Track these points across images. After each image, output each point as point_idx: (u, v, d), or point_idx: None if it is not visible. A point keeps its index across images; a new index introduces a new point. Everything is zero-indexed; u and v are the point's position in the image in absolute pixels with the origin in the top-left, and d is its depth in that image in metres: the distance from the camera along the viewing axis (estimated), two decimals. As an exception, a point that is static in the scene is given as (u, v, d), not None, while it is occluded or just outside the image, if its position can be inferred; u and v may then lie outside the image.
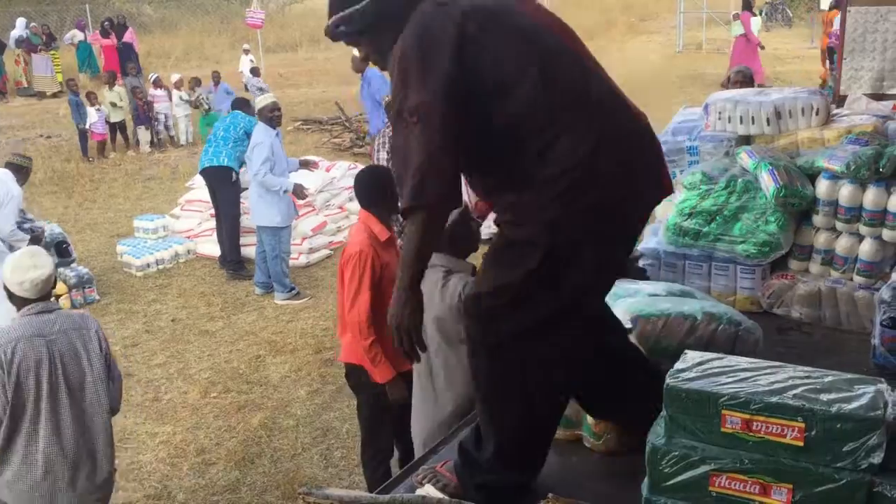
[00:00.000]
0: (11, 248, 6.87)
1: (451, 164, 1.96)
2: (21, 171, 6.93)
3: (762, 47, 15.67)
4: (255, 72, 15.66)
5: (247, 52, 19.50)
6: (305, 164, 7.80)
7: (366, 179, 4.07)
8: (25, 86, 20.14)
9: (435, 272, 3.20)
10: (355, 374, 4.04)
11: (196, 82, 14.34)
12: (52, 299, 3.67)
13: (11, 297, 3.48)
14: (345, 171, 9.34)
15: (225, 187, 7.92)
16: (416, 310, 2.06)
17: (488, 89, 1.97)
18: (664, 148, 3.87)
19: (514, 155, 2.00)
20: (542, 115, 1.98)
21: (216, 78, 14.50)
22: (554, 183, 1.97)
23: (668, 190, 2.18)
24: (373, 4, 2.07)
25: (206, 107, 13.73)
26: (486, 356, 2.09)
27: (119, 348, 6.66)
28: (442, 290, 3.18)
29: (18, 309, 3.50)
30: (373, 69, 9.12)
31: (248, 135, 7.77)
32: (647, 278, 3.51)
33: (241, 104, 8.56)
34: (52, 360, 3.38)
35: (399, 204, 2.07)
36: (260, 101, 7.22)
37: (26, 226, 7.00)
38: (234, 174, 7.87)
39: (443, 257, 3.24)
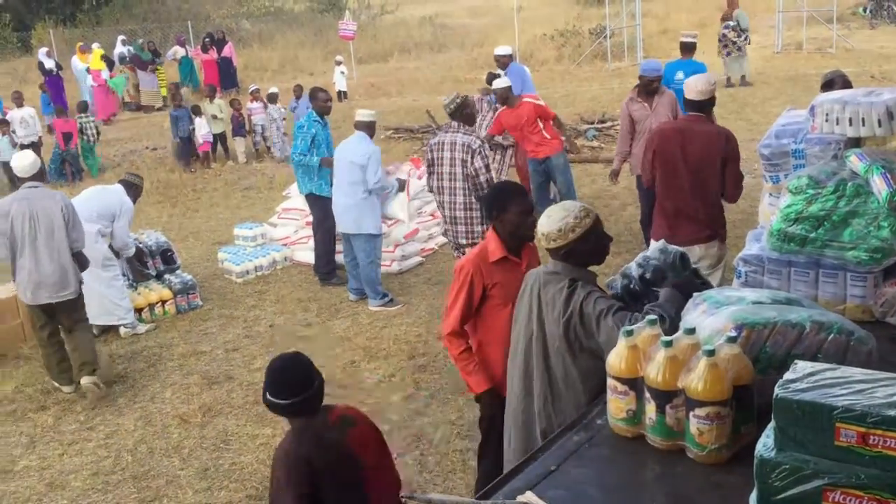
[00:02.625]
0: (117, 256, 7.31)
1: None
2: (133, 189, 7.41)
3: None
4: (272, 98, 14.63)
5: (339, 63, 19.88)
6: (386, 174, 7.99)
7: (488, 193, 4.19)
8: (129, 101, 21.12)
9: (559, 280, 3.24)
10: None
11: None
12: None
13: (16, 178, 6.84)
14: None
15: (316, 206, 8.12)
16: None
17: None
18: (767, 151, 3.78)
19: None
20: None
21: (298, 92, 14.77)
22: None
23: None
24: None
25: None
26: None
27: (221, 352, 6.90)
28: (566, 300, 3.18)
29: (18, 186, 6.49)
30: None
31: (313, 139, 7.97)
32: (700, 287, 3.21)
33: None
34: (31, 215, 5.96)
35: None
36: (366, 116, 7.42)
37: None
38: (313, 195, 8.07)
39: (567, 267, 3.27)
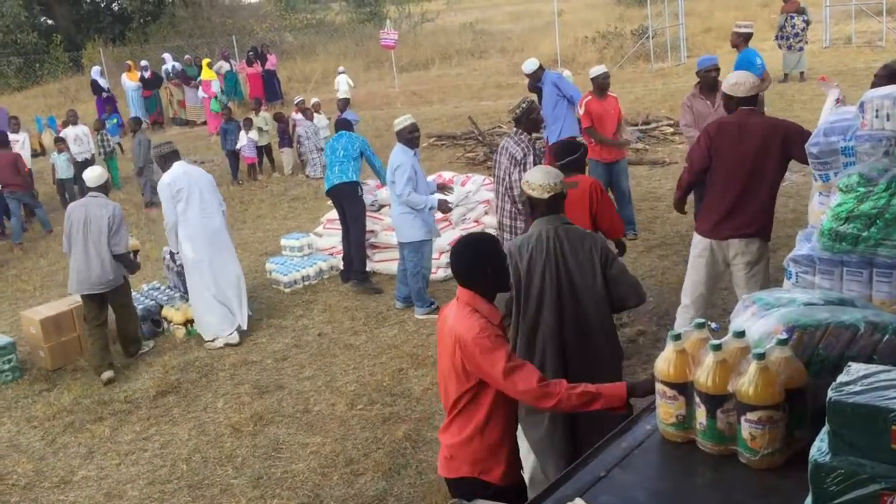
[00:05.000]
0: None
1: None
2: (178, 155, 7.68)
3: None
4: (307, 114, 14.67)
5: (342, 72, 19.93)
6: (441, 188, 7.86)
7: (460, 251, 3.38)
8: (173, 116, 21.58)
9: (575, 228, 4.07)
10: (465, 487, 3.32)
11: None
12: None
13: (86, 188, 7.40)
14: (479, 185, 9.43)
15: (355, 201, 8.27)
16: None
17: None
18: (816, 149, 3.71)
19: None
20: None
21: (341, 105, 14.84)
22: None
23: None
24: None
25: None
26: None
27: (271, 362, 6.99)
28: (596, 238, 4.10)
29: (86, 193, 7.32)
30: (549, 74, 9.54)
31: (362, 153, 8.34)
32: None
33: (345, 124, 8.89)
34: (86, 219, 6.92)
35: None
36: (399, 123, 7.32)
37: None
38: (360, 188, 8.31)
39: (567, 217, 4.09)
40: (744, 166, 5.10)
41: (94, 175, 7.21)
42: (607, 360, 4.01)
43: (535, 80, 9.65)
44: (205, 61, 20.47)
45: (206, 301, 7.40)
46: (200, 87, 19.88)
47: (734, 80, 5.29)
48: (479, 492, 3.18)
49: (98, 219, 6.91)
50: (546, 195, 3.98)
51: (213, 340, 7.46)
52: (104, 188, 7.17)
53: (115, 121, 17.09)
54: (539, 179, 3.99)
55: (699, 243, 5.39)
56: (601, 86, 8.64)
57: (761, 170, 5.08)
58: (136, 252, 7.98)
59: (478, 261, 3.31)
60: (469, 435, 3.29)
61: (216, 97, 18.05)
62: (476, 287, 3.31)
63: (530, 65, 9.76)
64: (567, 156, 5.64)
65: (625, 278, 3.96)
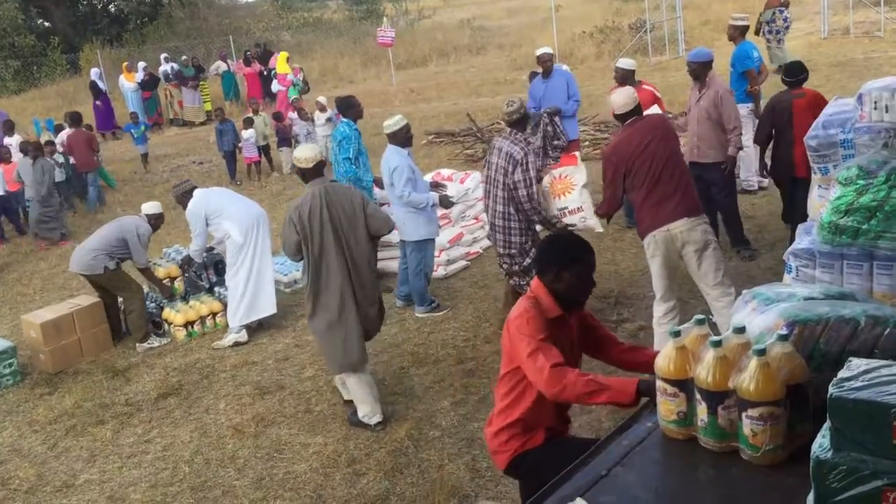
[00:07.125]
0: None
1: None
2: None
3: None
4: (301, 114, 14.50)
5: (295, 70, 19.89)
6: (435, 187, 7.79)
7: (544, 247, 3.57)
8: (172, 117, 21.55)
9: (344, 187, 5.62)
10: (521, 464, 3.52)
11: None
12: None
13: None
14: (478, 182, 9.41)
15: None
16: None
17: None
18: (815, 142, 3.69)
19: None
20: None
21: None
22: None
23: None
24: None
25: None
26: None
27: (272, 362, 6.98)
28: (360, 196, 5.61)
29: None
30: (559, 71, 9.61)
31: (360, 153, 7.98)
32: None
33: (343, 106, 8.46)
34: (116, 220, 8.01)
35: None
36: (393, 125, 7.20)
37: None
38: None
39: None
40: (656, 157, 5.39)
41: (149, 203, 8.01)
42: (372, 271, 5.62)
43: (546, 68, 9.72)
44: (282, 55, 20.19)
45: (241, 291, 7.41)
46: (276, 80, 19.53)
47: (613, 102, 5.68)
48: (528, 464, 3.45)
49: (122, 224, 7.68)
50: (311, 164, 5.44)
51: (223, 338, 7.50)
52: (151, 217, 7.78)
53: (142, 129, 16.92)
54: (306, 153, 5.48)
55: (650, 243, 5.53)
56: (618, 78, 8.65)
57: (672, 154, 5.45)
58: (173, 279, 8.16)
59: (554, 262, 3.38)
60: (512, 422, 3.45)
61: (293, 85, 17.92)
62: (549, 284, 3.39)
63: (544, 49, 9.92)
64: (796, 75, 7.05)
65: (378, 215, 5.48)
